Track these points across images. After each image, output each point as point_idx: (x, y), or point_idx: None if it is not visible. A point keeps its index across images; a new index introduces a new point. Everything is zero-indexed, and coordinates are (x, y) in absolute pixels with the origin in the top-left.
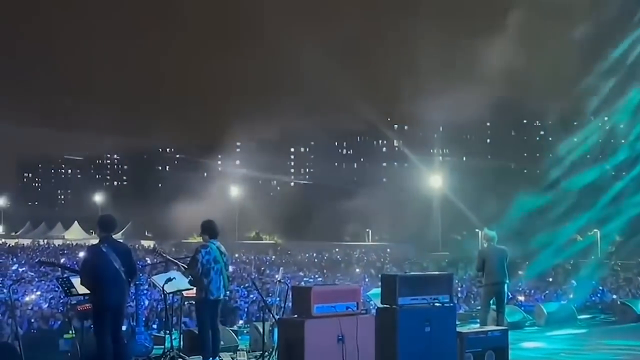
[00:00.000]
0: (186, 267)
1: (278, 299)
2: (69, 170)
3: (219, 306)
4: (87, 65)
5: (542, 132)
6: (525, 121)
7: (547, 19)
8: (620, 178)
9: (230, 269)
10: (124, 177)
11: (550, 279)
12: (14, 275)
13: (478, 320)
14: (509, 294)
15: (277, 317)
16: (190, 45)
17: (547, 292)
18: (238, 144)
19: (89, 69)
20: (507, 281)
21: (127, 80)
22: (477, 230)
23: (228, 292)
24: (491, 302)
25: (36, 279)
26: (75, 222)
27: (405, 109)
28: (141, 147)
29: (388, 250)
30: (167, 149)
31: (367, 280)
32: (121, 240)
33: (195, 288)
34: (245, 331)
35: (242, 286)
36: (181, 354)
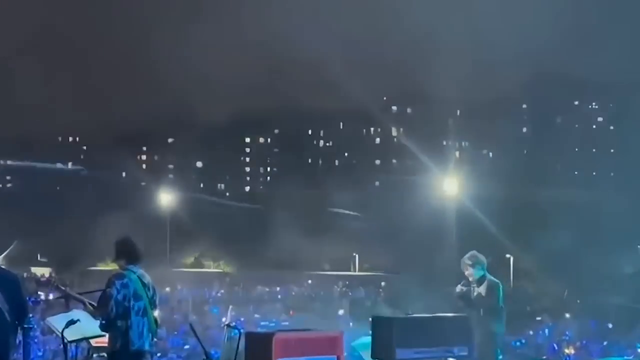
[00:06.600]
0: (95, 305)
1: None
2: None
3: None
4: None
5: (600, 119)
6: (576, 103)
7: None
8: None
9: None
10: (8, 178)
11: (611, 325)
12: None
13: None
14: (555, 345)
15: None
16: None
17: (606, 343)
18: (171, 132)
19: None
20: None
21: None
22: (507, 255)
23: (155, 340)
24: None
25: None
26: None
27: (408, 83)
28: (32, 135)
29: (382, 283)
30: (69, 138)
31: (352, 324)
32: (3, 267)
33: (108, 335)
34: None
35: (175, 333)
36: None
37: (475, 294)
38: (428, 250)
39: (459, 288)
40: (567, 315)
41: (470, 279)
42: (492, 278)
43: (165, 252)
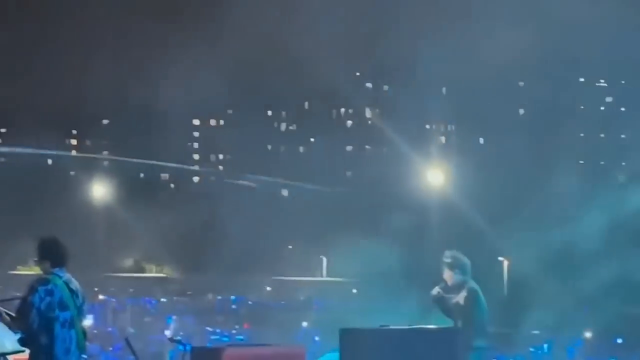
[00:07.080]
0: (13, 316)
1: None
2: None
3: None
4: None
5: (609, 99)
6: (582, 79)
7: None
8: None
9: (89, 320)
10: None
11: (620, 340)
12: None
13: None
14: None
15: None
16: None
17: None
18: (106, 113)
19: None
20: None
21: None
22: (500, 258)
23: (85, 357)
24: None
25: None
26: None
27: (385, 58)
28: None
29: (354, 290)
30: None
31: (317, 338)
32: None
33: (29, 351)
34: None
35: (109, 349)
36: None
37: (452, 301)
38: (408, 252)
39: (435, 290)
40: (571, 329)
41: (449, 282)
42: (472, 285)
43: (98, 253)
